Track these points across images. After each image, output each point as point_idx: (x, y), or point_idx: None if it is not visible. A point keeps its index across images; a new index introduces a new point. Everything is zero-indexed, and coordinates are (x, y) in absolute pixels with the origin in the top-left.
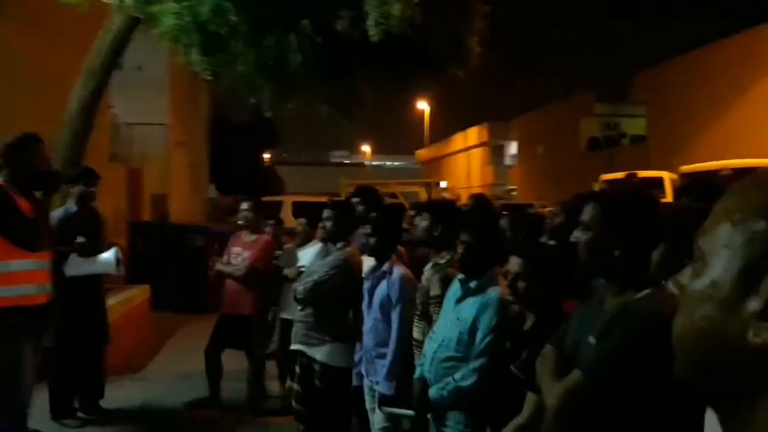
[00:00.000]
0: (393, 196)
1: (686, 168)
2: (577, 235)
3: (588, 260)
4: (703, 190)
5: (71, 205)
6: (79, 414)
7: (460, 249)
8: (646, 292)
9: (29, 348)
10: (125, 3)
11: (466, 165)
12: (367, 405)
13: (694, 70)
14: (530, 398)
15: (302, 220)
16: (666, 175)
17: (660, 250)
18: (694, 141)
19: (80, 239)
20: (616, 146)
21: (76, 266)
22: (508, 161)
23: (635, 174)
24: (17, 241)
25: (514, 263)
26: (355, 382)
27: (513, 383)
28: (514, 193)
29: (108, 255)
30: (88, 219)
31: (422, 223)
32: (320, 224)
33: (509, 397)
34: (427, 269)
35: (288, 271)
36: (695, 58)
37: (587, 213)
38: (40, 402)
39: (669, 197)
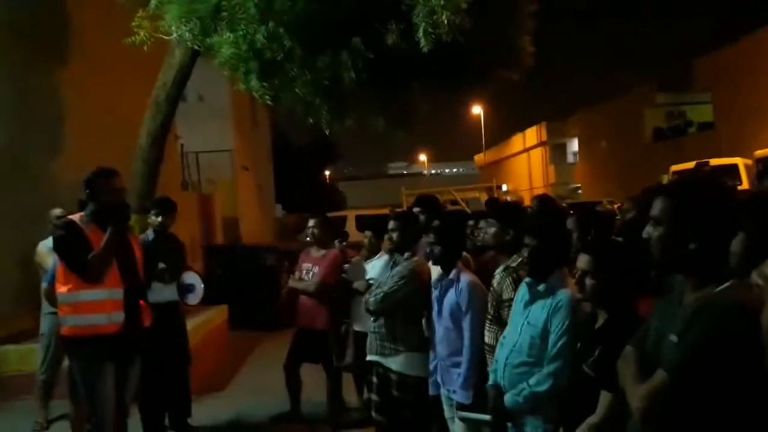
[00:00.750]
0: (454, 203)
1: (761, 152)
2: (648, 231)
3: (662, 256)
4: None
5: (149, 233)
6: None
7: (525, 252)
8: (727, 284)
9: (110, 370)
10: (184, 37)
11: (527, 166)
12: (446, 414)
13: (758, 51)
14: (604, 397)
15: (368, 233)
16: (740, 161)
17: (740, 239)
18: (766, 123)
19: (161, 266)
20: (682, 135)
21: (158, 293)
22: (569, 159)
23: (707, 162)
24: (77, 272)
25: (583, 260)
26: (432, 392)
27: (585, 382)
28: (579, 191)
29: (191, 281)
30: (168, 246)
31: (491, 228)
32: (386, 236)
33: (582, 396)
34: (498, 273)
35: (357, 284)
36: (759, 38)
37: (656, 207)
38: (132, 420)
39: (746, 184)
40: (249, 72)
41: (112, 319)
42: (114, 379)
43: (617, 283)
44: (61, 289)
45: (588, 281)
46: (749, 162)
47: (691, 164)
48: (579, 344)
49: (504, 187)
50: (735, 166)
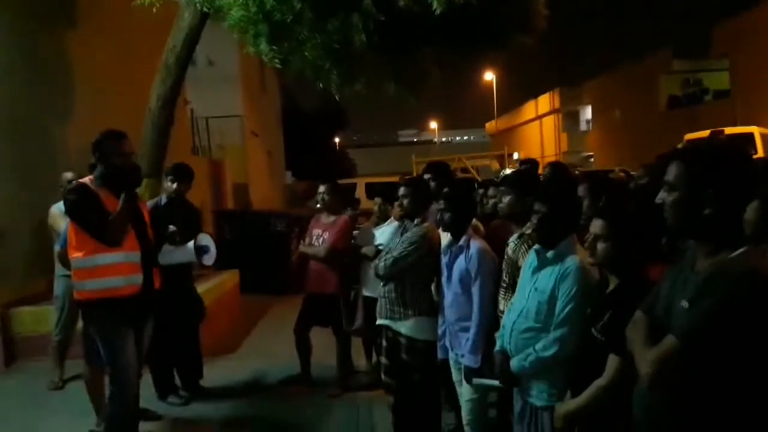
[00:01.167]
0: (465, 170)
1: None
2: (663, 196)
3: (676, 221)
4: None
5: (162, 197)
6: (182, 392)
7: (533, 219)
8: (740, 251)
9: (129, 332)
10: None
11: (539, 134)
12: (454, 378)
13: None
14: (612, 360)
15: (378, 199)
16: (756, 131)
17: (754, 207)
18: None
19: (171, 228)
20: (698, 103)
21: (168, 255)
22: (582, 127)
23: (722, 131)
24: (97, 236)
25: (596, 225)
26: (441, 356)
27: (594, 346)
28: (591, 159)
29: (203, 242)
30: (181, 211)
31: (505, 197)
32: (396, 202)
33: (590, 360)
34: (513, 240)
35: (366, 250)
36: None
37: (671, 172)
38: (145, 382)
39: (761, 153)
40: (258, 35)
41: (129, 281)
42: (133, 340)
43: (629, 248)
44: (76, 254)
45: (600, 245)
46: (766, 131)
47: (705, 133)
48: (589, 310)
49: (515, 155)
50: (751, 135)
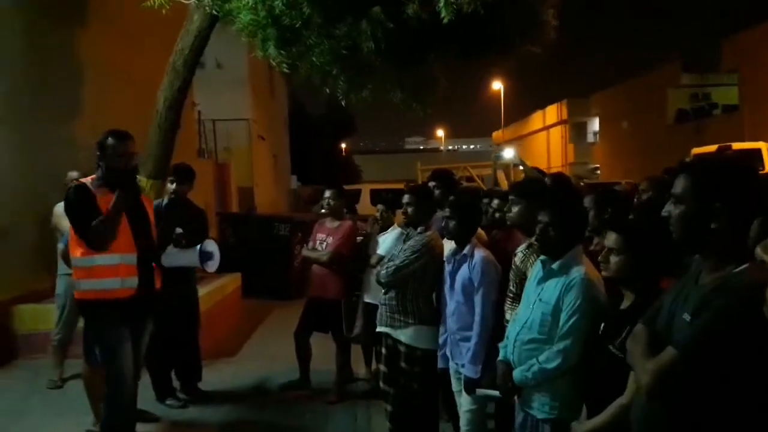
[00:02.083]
0: (470, 179)
1: None
2: (669, 209)
3: (682, 235)
4: None
5: (164, 199)
6: (180, 395)
7: (537, 230)
8: (744, 266)
9: (126, 333)
10: (203, 2)
11: (546, 144)
12: (454, 387)
13: None
14: (633, 377)
15: (381, 206)
16: (764, 146)
17: (757, 222)
18: None
19: (178, 230)
20: (706, 118)
21: (172, 258)
22: (589, 138)
23: (729, 146)
24: (82, 238)
25: (611, 238)
26: (441, 365)
27: (613, 363)
28: (597, 171)
29: (208, 248)
30: (185, 213)
31: (515, 206)
32: (401, 210)
33: (610, 377)
34: (521, 250)
35: (373, 258)
36: None
37: (679, 185)
38: (144, 384)
39: None
40: (267, 39)
41: (125, 283)
42: (130, 342)
43: (644, 262)
44: (75, 253)
45: (614, 259)
46: None
47: (713, 147)
48: (603, 324)
49: (508, 153)
50: (758, 151)
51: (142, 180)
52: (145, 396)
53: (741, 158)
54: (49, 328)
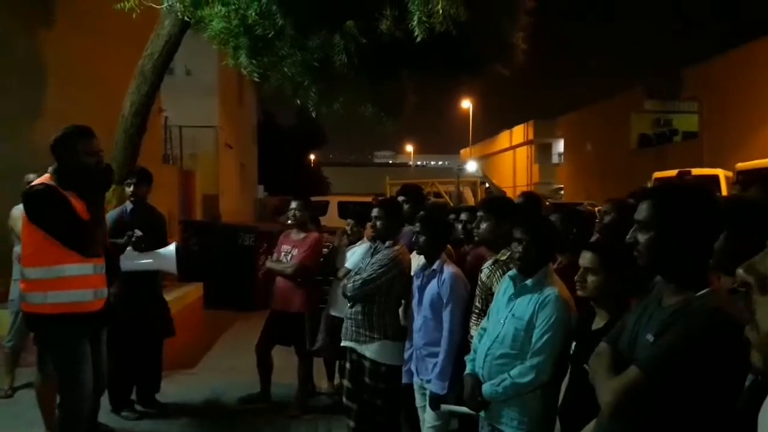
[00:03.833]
0: (437, 195)
1: (743, 165)
2: (634, 236)
3: (649, 261)
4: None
5: (128, 204)
6: (137, 407)
7: (519, 247)
8: (707, 290)
9: (88, 348)
10: (175, 7)
11: (512, 164)
12: (417, 403)
13: (746, 63)
14: None
15: (350, 221)
16: (721, 173)
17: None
18: (749, 137)
19: (137, 233)
20: (667, 143)
21: (131, 260)
22: (554, 159)
23: (689, 171)
24: (71, 245)
25: (586, 258)
26: (405, 380)
27: (585, 381)
28: (561, 192)
29: (168, 249)
30: (149, 217)
31: (483, 223)
32: (369, 223)
33: (585, 396)
34: (487, 266)
35: (340, 272)
36: (749, 51)
37: (645, 211)
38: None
39: (725, 194)
40: (238, 48)
41: (99, 294)
42: (90, 354)
43: (620, 282)
44: (38, 262)
45: (590, 278)
46: (729, 174)
47: (673, 172)
48: (575, 343)
49: (471, 166)
50: (716, 177)
51: None
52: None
53: (701, 184)
54: (1, 334)
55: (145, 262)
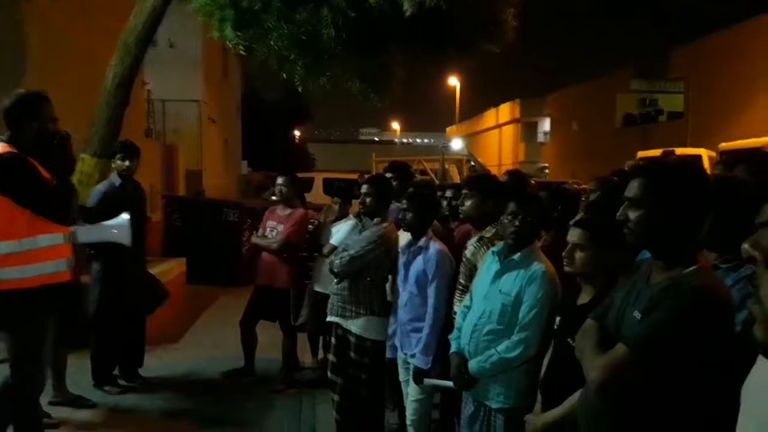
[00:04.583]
0: (423, 173)
1: (726, 145)
2: (625, 213)
3: (639, 238)
4: (757, 166)
5: (115, 179)
6: (120, 381)
7: (515, 221)
8: (694, 267)
9: (53, 323)
10: None
11: (498, 142)
12: (401, 377)
13: (733, 46)
14: None
15: (337, 199)
16: (704, 152)
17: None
18: (733, 118)
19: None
20: (652, 123)
21: (83, 233)
22: (540, 138)
23: (673, 151)
24: (47, 213)
25: (574, 234)
26: (388, 355)
27: (569, 355)
28: (546, 170)
29: (121, 220)
30: (136, 192)
31: (468, 200)
32: (357, 200)
33: (568, 370)
34: (473, 243)
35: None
36: (735, 33)
37: (636, 188)
38: (82, 369)
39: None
40: (224, 20)
41: (71, 264)
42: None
43: (608, 258)
44: (9, 235)
45: (578, 254)
46: (713, 154)
47: (657, 151)
48: (560, 318)
49: (456, 144)
50: (699, 157)
51: (86, 158)
52: (83, 381)
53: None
54: None
55: (98, 234)
